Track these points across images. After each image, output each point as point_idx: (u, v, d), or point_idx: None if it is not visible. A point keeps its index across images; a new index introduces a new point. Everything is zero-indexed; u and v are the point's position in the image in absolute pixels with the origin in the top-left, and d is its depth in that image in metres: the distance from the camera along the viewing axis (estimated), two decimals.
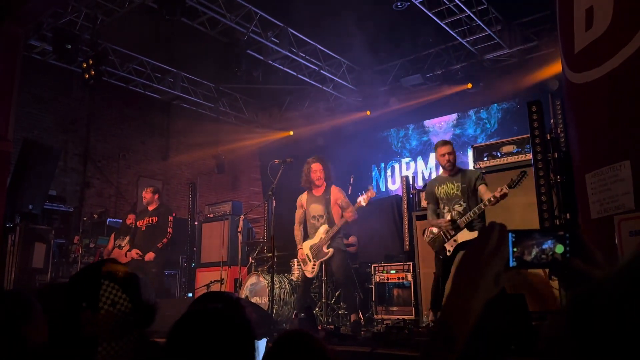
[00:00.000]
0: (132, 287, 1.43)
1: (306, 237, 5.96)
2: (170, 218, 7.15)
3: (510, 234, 0.96)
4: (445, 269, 4.99)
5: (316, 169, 5.86)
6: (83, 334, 1.32)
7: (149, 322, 1.45)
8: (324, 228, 5.73)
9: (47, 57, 8.71)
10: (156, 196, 7.29)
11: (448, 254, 4.91)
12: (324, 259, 5.72)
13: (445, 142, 5.20)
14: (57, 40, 8.00)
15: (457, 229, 4.88)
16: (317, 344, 1.40)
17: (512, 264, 0.96)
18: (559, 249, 0.97)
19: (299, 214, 6.02)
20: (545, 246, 0.97)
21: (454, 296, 0.93)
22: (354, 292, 6.14)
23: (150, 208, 7.25)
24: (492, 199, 4.63)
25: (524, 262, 0.97)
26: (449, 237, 4.93)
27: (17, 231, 7.09)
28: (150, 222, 7.09)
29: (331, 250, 5.66)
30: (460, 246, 4.85)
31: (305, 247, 5.86)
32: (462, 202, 4.93)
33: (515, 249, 0.96)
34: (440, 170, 5.38)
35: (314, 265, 5.75)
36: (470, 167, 6.78)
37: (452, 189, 5.01)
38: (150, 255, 6.88)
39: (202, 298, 1.95)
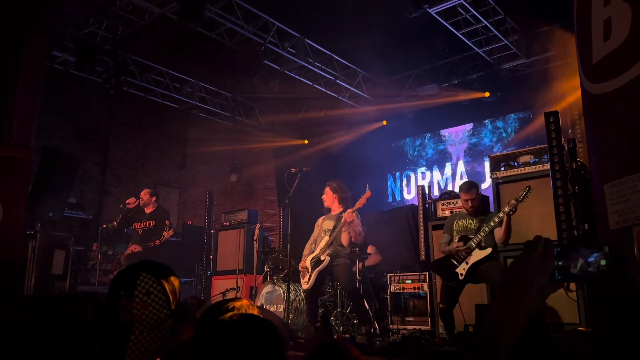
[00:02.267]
0: (168, 280, 1.51)
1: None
2: (167, 222, 7.15)
3: (555, 248, 0.98)
4: (454, 295, 4.99)
5: (326, 194, 5.95)
6: (120, 320, 1.41)
7: (180, 318, 1.52)
8: (325, 239, 5.74)
9: (69, 67, 8.88)
10: (153, 199, 7.29)
11: (461, 277, 4.89)
12: (320, 267, 5.68)
13: (469, 187, 5.12)
14: (79, 51, 8.18)
15: (469, 250, 4.90)
16: (353, 354, 1.43)
17: (557, 277, 0.98)
18: (604, 261, 0.98)
19: (314, 233, 6.04)
20: (591, 259, 0.98)
21: (499, 307, 0.95)
22: (364, 304, 6.13)
23: (147, 211, 7.25)
24: (501, 215, 4.75)
25: (569, 275, 0.99)
26: (461, 259, 4.93)
27: (37, 238, 7.19)
28: (147, 226, 7.13)
29: (327, 258, 5.65)
30: (473, 267, 4.85)
31: (307, 260, 5.86)
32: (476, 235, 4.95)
33: (559, 262, 0.98)
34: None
35: (310, 276, 5.74)
36: (487, 177, 6.76)
37: (471, 224, 5.06)
38: (135, 247, 6.97)
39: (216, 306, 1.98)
